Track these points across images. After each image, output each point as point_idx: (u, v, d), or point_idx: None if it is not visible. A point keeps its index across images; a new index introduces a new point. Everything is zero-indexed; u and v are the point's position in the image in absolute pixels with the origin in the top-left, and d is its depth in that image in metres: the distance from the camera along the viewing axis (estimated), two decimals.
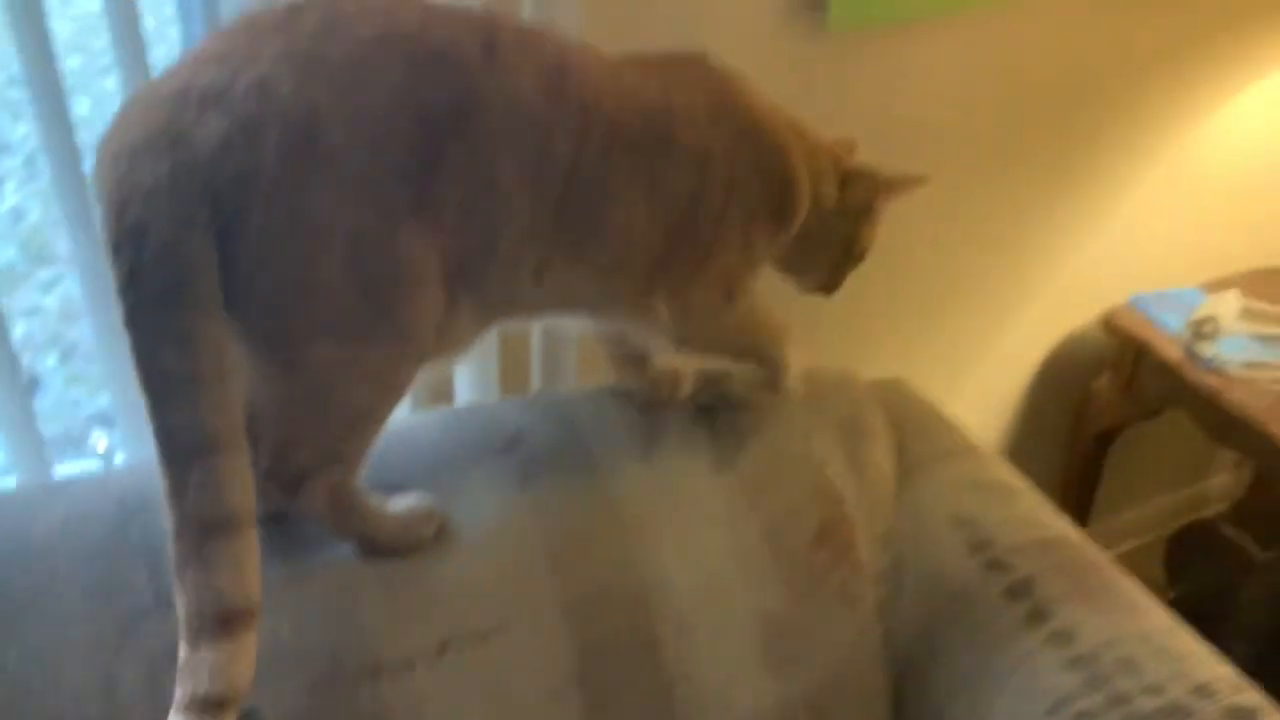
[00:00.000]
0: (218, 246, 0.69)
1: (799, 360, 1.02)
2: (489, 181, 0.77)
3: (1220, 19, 1.59)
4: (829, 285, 1.04)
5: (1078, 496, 1.87)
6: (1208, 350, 1.57)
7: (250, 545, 0.70)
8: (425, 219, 0.75)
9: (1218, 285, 1.73)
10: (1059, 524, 1.04)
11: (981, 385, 1.77)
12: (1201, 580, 1.97)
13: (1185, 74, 1.61)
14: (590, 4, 1.07)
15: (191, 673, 0.67)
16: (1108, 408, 1.74)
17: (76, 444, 2.02)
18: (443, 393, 1.17)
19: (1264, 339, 1.60)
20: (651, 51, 0.90)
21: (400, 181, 0.73)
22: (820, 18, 1.24)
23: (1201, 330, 1.59)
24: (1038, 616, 0.95)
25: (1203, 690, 0.88)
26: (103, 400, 1.92)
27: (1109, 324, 1.67)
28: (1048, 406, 1.85)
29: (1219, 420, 1.54)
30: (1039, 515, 1.04)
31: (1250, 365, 1.55)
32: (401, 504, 0.87)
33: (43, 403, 2.01)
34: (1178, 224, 1.75)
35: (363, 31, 0.73)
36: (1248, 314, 1.64)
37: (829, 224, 0.98)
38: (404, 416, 0.95)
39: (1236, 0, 1.58)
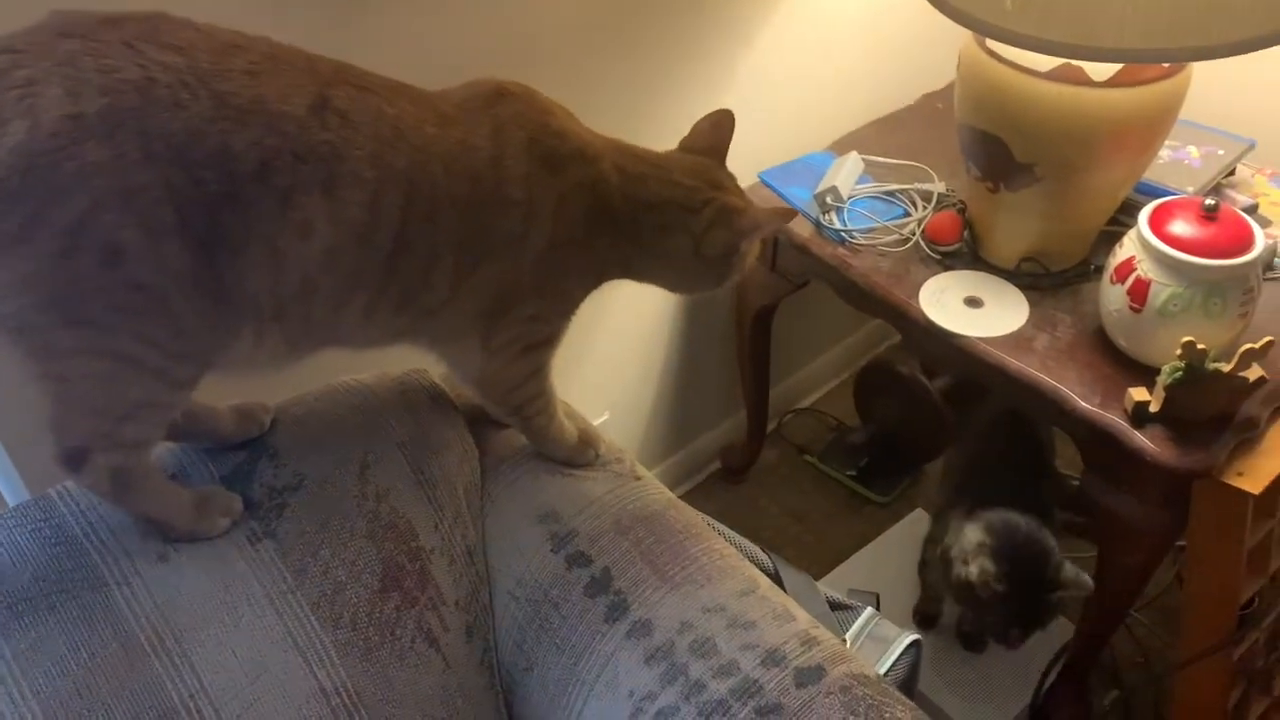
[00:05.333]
0: None
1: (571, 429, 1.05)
2: (304, 230, 0.76)
3: None
4: (695, 295, 1.06)
5: (754, 369, 1.90)
6: (833, 223, 1.57)
7: None
8: (209, 248, 0.74)
9: (844, 144, 1.72)
10: (640, 494, 1.02)
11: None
12: (888, 413, 2.06)
13: None
14: None
15: None
16: (760, 288, 1.74)
17: None
18: None
19: (883, 197, 1.62)
20: (477, 86, 0.88)
21: (176, 207, 0.71)
22: None
23: (825, 203, 1.59)
24: (618, 609, 0.93)
25: (772, 658, 0.89)
26: None
27: None
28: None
29: (849, 289, 1.55)
30: (620, 491, 1.01)
31: (869, 232, 1.56)
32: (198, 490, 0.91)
33: None
34: (794, 91, 1.71)
35: (176, 59, 0.71)
36: (868, 171, 1.65)
37: (687, 257, 0.97)
38: None
39: None
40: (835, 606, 1.47)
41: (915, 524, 1.89)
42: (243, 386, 0.90)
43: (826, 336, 2.19)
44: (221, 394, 0.93)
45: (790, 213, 1.04)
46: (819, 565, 1.89)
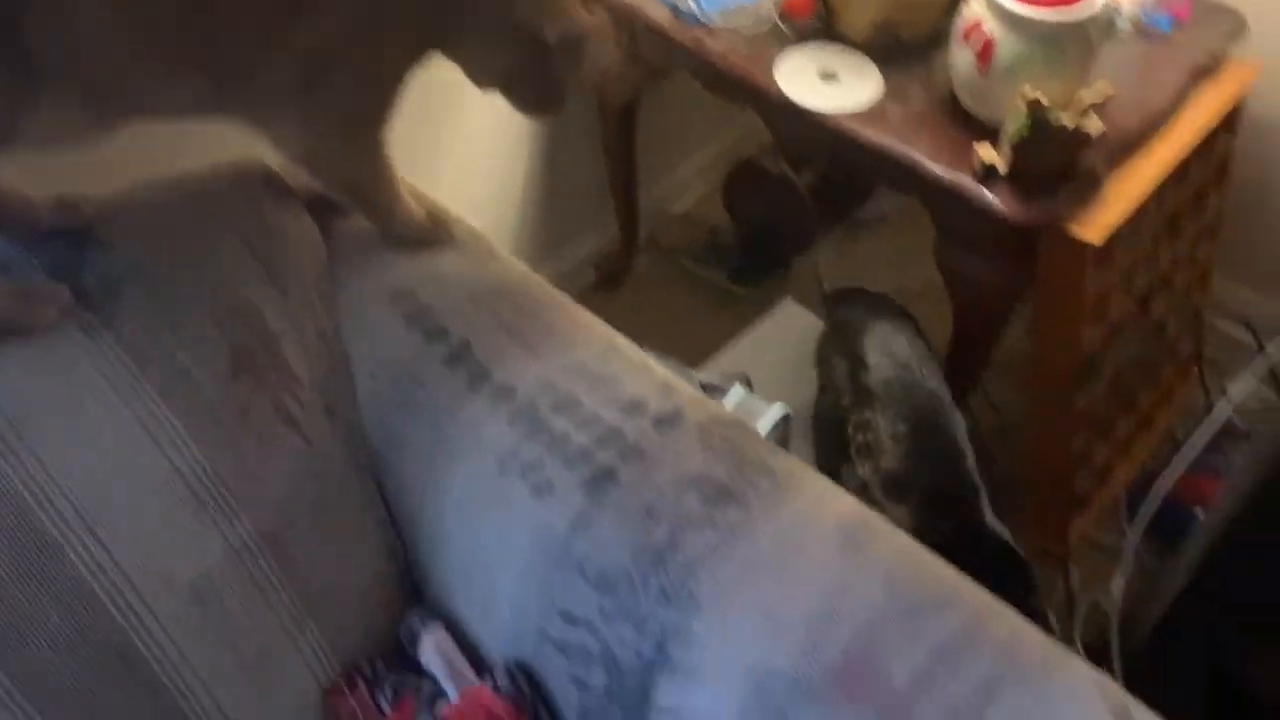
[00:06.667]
0: None
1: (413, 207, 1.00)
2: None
3: None
4: (536, 110, 0.98)
5: (620, 170, 1.88)
6: (689, 6, 1.54)
7: None
8: None
9: None
10: (496, 268, 1.01)
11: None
12: (758, 213, 2.08)
13: None
14: None
15: None
16: (619, 80, 1.70)
17: None
18: None
19: None
20: None
21: None
22: None
23: None
24: (480, 378, 0.93)
25: (631, 407, 0.91)
26: None
27: None
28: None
29: (709, 74, 1.53)
30: (475, 267, 1.00)
31: (727, 14, 1.53)
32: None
33: None
34: None
35: None
36: None
37: (501, 19, 0.88)
38: None
39: None
40: (707, 389, 1.52)
41: (784, 312, 1.93)
42: (63, 178, 0.85)
43: (693, 138, 2.17)
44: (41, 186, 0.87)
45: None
46: (697, 363, 1.92)
